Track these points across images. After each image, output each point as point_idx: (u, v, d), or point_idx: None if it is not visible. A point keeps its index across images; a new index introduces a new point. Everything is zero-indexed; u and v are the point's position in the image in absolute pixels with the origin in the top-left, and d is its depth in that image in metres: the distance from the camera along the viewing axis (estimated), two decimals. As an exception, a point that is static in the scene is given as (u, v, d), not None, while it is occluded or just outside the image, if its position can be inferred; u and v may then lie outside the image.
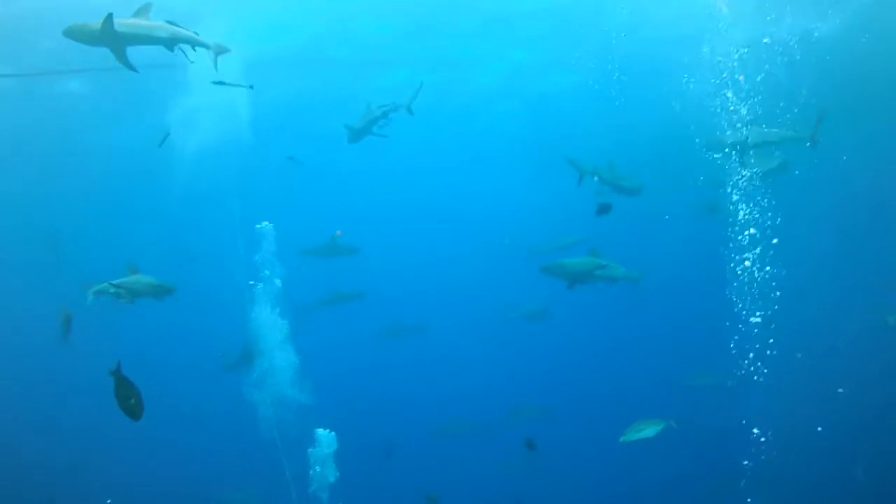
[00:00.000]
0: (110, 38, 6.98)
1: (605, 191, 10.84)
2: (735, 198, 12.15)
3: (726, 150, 11.17)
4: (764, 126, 11.31)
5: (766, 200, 12.39)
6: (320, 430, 10.25)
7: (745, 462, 12.22)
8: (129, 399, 5.56)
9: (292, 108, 20.05)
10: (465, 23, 17.08)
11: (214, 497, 15.85)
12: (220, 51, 8.23)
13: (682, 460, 16.00)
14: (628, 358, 20.60)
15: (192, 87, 11.88)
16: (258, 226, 11.90)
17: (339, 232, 16.96)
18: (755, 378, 12.12)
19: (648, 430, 9.82)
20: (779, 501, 11.75)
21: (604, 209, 10.32)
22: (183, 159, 15.19)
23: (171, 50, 7.65)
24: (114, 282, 8.98)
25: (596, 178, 10.75)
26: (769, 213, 12.41)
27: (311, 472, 10.11)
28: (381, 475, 15.29)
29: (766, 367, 12.26)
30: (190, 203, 21.12)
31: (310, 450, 10.18)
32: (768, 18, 13.83)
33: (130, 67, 7.30)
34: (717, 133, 11.52)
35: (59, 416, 19.80)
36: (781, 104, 12.25)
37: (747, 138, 10.96)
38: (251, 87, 9.25)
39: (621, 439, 9.82)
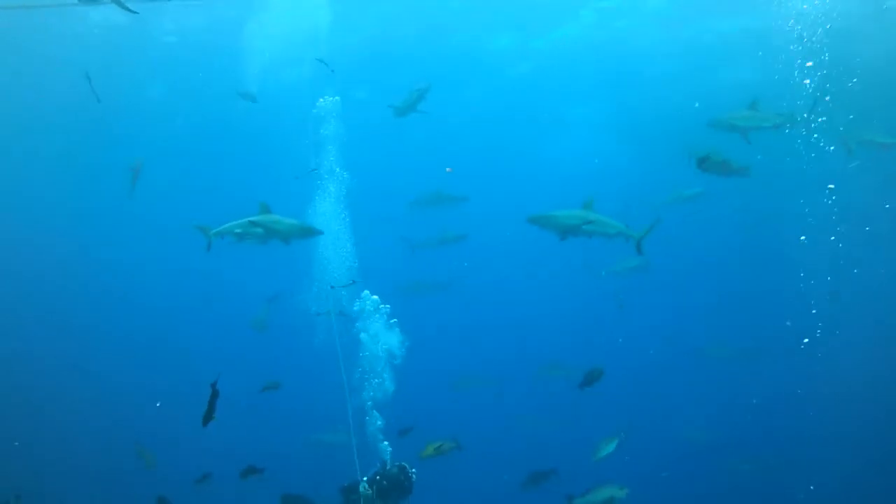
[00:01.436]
0: None
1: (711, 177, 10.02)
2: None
3: (728, 129, 11.12)
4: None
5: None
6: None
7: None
8: (210, 417, 5.90)
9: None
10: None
11: (311, 438, 15.77)
12: None
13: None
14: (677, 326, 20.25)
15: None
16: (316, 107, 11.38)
17: (448, 169, 16.57)
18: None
19: (610, 446, 10.71)
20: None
21: None
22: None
23: None
24: (252, 219, 8.49)
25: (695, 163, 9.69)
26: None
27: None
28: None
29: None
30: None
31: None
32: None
33: (126, 8, 7.96)
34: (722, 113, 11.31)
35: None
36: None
37: (748, 119, 11.00)
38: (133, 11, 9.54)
39: (593, 459, 10.71)
